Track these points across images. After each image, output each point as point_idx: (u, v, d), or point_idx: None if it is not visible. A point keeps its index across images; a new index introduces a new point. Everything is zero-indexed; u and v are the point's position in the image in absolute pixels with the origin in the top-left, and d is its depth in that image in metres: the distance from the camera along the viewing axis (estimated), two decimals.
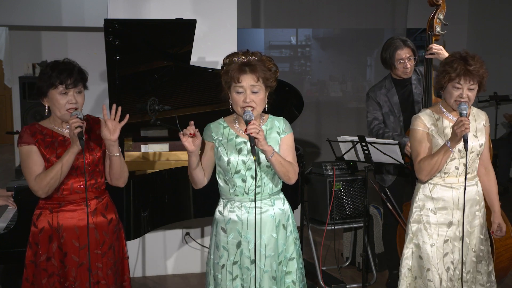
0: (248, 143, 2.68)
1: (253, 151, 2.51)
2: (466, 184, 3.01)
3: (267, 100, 2.71)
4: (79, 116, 2.67)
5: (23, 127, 2.80)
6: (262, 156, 2.68)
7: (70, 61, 2.78)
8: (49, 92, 2.73)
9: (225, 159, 2.69)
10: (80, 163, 2.75)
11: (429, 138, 3.06)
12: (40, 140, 2.75)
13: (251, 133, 2.51)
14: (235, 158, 2.69)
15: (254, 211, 2.64)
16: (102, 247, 2.85)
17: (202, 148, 2.75)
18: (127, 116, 2.77)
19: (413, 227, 3.14)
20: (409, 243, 3.15)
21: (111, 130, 2.70)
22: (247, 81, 2.61)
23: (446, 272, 3.07)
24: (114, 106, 2.74)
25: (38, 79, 2.76)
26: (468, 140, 2.91)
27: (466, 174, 2.98)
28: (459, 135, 2.85)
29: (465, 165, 2.97)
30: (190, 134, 2.57)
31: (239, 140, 2.72)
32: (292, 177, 2.70)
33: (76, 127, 2.61)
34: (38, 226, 2.79)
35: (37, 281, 2.79)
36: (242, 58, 2.63)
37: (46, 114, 2.83)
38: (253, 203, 2.69)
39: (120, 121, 2.73)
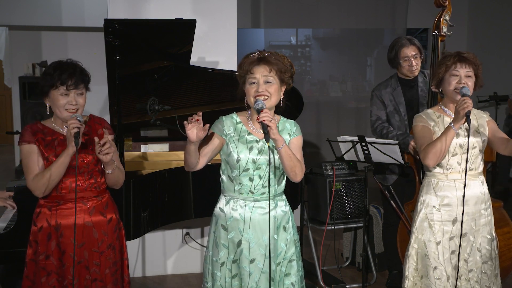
0: (260, 142, 2.69)
1: (267, 138, 2.50)
2: (471, 181, 3.07)
3: (282, 96, 2.71)
4: (78, 118, 2.67)
5: (25, 125, 2.80)
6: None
7: (73, 62, 2.77)
8: (50, 92, 2.73)
9: (235, 156, 2.67)
10: (78, 163, 2.75)
11: (431, 131, 3.09)
12: (41, 139, 2.76)
13: (264, 121, 2.50)
14: (245, 156, 2.67)
15: (268, 208, 2.65)
16: (100, 246, 2.85)
17: (209, 137, 2.71)
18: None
19: (418, 225, 3.14)
20: (414, 242, 3.15)
21: (104, 151, 2.70)
22: (260, 71, 2.64)
23: (454, 270, 3.06)
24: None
25: (40, 78, 2.77)
26: (470, 136, 3.00)
27: (468, 154, 2.99)
28: (462, 113, 2.89)
29: (467, 151, 2.99)
30: (197, 119, 2.52)
31: (250, 138, 2.70)
32: (298, 173, 2.68)
33: (74, 128, 2.62)
34: (37, 224, 2.80)
35: (37, 280, 2.80)
36: (258, 54, 2.68)
37: (48, 113, 2.83)
38: (257, 202, 2.71)
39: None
